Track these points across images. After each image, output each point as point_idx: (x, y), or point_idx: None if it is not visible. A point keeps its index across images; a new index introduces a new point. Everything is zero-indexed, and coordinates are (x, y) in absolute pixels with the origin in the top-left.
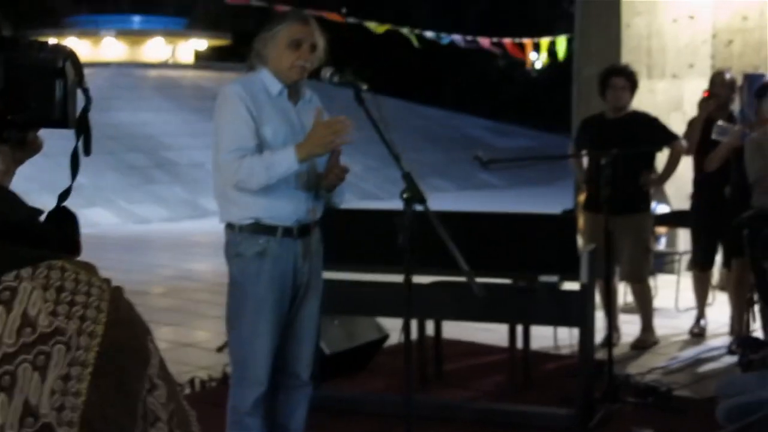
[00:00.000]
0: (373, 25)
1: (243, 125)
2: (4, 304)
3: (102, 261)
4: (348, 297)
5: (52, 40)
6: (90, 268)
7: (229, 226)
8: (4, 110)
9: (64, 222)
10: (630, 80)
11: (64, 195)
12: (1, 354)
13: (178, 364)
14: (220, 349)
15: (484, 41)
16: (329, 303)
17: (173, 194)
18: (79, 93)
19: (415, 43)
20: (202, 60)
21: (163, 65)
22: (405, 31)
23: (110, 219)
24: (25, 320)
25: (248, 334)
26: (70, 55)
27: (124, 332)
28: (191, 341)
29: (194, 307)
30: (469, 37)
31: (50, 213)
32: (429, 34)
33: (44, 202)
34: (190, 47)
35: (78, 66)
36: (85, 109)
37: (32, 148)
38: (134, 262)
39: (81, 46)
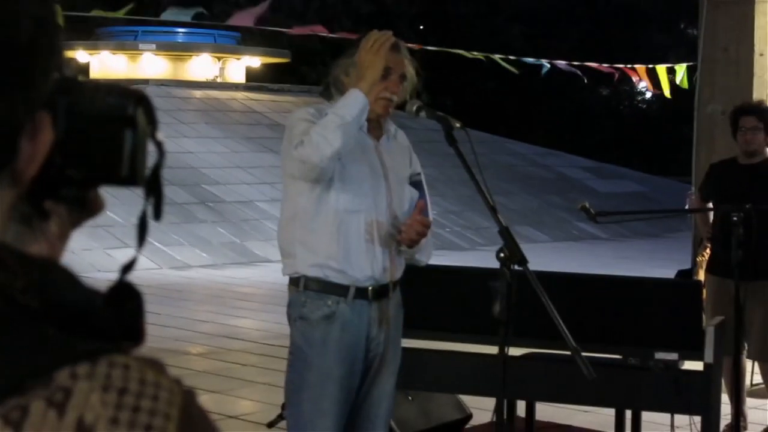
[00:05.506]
0: (462, 51)
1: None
2: (57, 407)
3: None
4: (428, 370)
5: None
6: (158, 367)
7: (293, 283)
8: (62, 164)
9: (126, 302)
10: (763, 120)
11: (128, 267)
12: None
13: None
14: (271, 425)
15: (595, 66)
16: (405, 376)
17: (218, 236)
18: (151, 145)
19: (514, 70)
20: (255, 80)
21: (210, 85)
22: (497, 57)
23: (144, 263)
24: (81, 428)
25: (309, 411)
26: (142, 101)
27: None
28: (236, 413)
29: (240, 372)
30: (575, 62)
31: (110, 290)
32: (529, 59)
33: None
34: (242, 65)
35: (151, 113)
36: (158, 165)
37: (93, 208)
38: (170, 315)
39: (116, 61)
